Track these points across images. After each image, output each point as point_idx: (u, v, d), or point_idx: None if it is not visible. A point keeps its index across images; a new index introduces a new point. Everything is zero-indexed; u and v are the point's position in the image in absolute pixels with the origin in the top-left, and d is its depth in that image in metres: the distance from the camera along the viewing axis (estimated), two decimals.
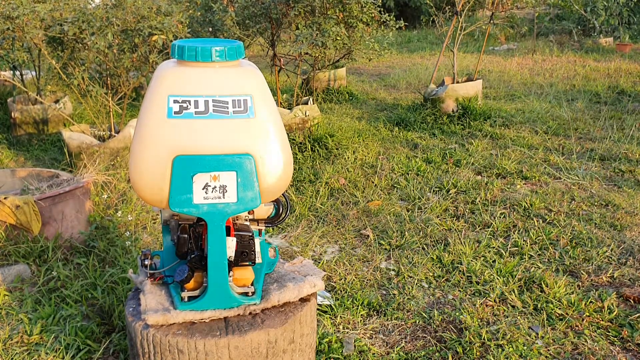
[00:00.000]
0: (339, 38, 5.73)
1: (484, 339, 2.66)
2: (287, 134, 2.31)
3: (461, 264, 3.39)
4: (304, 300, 2.03)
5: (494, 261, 3.43)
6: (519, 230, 3.85)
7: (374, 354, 2.59)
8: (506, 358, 2.54)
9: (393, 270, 3.37)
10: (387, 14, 6.63)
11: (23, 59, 5.42)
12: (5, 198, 3.14)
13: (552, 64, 10.79)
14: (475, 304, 2.97)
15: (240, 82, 1.79)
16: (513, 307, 2.95)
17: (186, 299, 1.90)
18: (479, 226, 3.96)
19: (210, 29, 6.54)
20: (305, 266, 2.21)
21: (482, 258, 3.47)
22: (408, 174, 5.04)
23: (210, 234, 1.81)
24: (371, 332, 2.77)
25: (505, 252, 3.53)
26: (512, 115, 6.93)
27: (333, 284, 3.21)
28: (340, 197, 4.55)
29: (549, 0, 15.04)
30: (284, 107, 6.08)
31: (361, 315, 2.90)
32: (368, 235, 3.84)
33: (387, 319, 2.87)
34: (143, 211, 3.99)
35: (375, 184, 4.78)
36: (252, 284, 1.97)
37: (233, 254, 1.89)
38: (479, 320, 2.82)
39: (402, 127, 6.66)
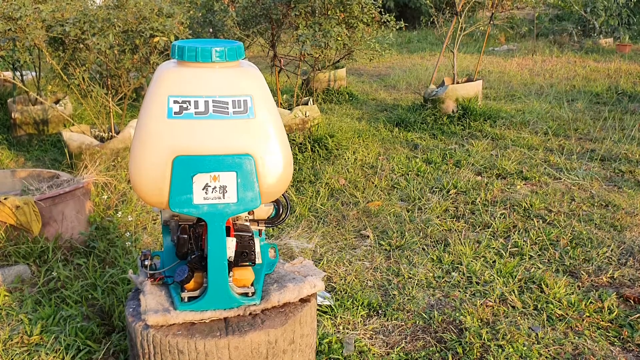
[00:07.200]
0: (339, 39, 5.74)
1: (484, 340, 2.66)
2: (287, 134, 2.31)
3: (461, 265, 3.39)
4: (304, 300, 2.03)
5: (494, 261, 3.43)
6: (519, 231, 3.85)
7: (374, 354, 2.59)
8: (506, 358, 2.54)
9: (393, 270, 3.37)
10: (387, 15, 6.64)
11: (25, 60, 5.42)
12: (5, 198, 3.14)
13: (552, 64, 10.79)
14: (475, 304, 2.97)
15: (240, 83, 1.79)
16: (513, 307, 2.95)
17: (186, 300, 1.90)
18: (479, 227, 3.96)
19: (211, 30, 6.54)
20: (305, 267, 2.22)
21: (482, 258, 3.47)
22: (408, 174, 5.05)
23: (210, 235, 1.81)
24: (371, 332, 2.77)
25: (505, 253, 3.53)
26: (512, 116, 6.93)
27: (333, 284, 3.21)
28: (340, 197, 4.55)
29: (549, 1, 15.05)
30: (284, 108, 6.08)
31: (361, 315, 2.90)
32: (368, 236, 3.84)
33: (387, 320, 2.87)
34: (143, 212, 3.99)
35: (376, 185, 4.78)
36: (252, 285, 1.97)
37: (233, 255, 1.89)
38: (479, 321, 2.82)
39: (402, 127, 6.66)
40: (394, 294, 3.10)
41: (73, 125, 5.30)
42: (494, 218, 4.05)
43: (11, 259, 3.18)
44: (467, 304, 2.97)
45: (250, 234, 1.93)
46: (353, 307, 2.95)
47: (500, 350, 2.58)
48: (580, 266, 3.37)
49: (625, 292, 3.05)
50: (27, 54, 5.61)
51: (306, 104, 6.13)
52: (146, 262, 2.00)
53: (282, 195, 2.00)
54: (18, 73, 6.28)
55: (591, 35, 13.80)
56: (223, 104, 1.76)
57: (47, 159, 5.62)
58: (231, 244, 1.88)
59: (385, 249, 3.66)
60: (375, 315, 2.92)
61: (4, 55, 5.60)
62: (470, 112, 6.77)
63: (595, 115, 6.96)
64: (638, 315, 2.84)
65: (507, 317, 2.86)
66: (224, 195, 1.79)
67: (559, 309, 2.90)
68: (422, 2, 14.36)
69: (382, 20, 6.63)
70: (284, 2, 5.85)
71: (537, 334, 2.71)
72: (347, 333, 2.75)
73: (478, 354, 2.58)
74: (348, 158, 5.42)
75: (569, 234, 3.75)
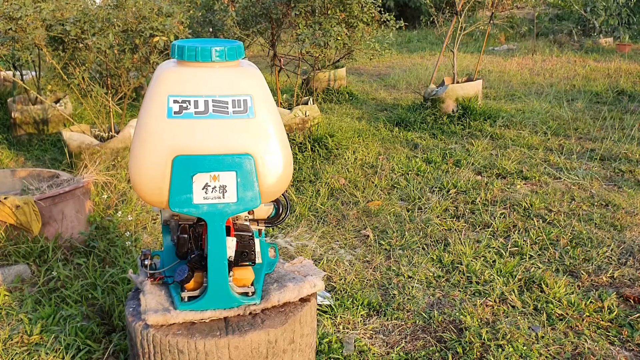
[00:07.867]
0: (339, 38, 5.74)
1: (484, 339, 2.66)
2: (287, 134, 2.31)
3: (461, 264, 3.39)
4: (304, 300, 2.03)
5: (494, 261, 3.43)
6: (519, 231, 3.85)
7: (374, 354, 2.59)
8: (506, 358, 2.54)
9: (393, 270, 3.37)
10: (387, 14, 6.64)
11: (25, 59, 5.42)
12: (5, 198, 3.14)
13: (552, 64, 10.79)
14: (475, 304, 2.97)
15: (240, 82, 1.79)
16: (513, 307, 2.95)
17: (186, 299, 1.90)
18: (479, 226, 3.95)
19: (211, 29, 6.55)
20: (305, 266, 2.22)
21: (482, 258, 3.47)
22: (408, 174, 5.04)
23: (210, 234, 1.81)
24: (371, 332, 2.77)
25: (505, 252, 3.53)
26: (512, 116, 6.93)
27: (333, 284, 3.21)
28: (340, 197, 4.55)
29: (549, 0, 15.05)
30: (284, 107, 6.08)
31: (361, 315, 2.90)
32: (368, 236, 3.84)
33: (387, 319, 2.87)
34: (143, 211, 3.99)
35: (375, 184, 4.78)
36: (252, 284, 1.97)
37: (233, 254, 1.89)
38: (479, 321, 2.82)
39: (402, 127, 6.66)
40: (394, 294, 3.10)
41: (73, 124, 5.30)
42: (494, 218, 4.04)
43: (11, 259, 3.18)
44: (467, 304, 2.97)
45: (250, 234, 1.92)
46: (353, 307, 2.95)
47: (500, 350, 2.58)
48: (580, 266, 3.37)
49: (625, 292, 3.05)
50: (28, 53, 5.61)
51: (306, 103, 6.13)
52: (146, 262, 2.00)
53: (282, 194, 2.00)
54: (18, 72, 6.28)
55: (591, 35, 13.80)
56: (223, 104, 1.76)
57: (47, 159, 5.62)
58: (231, 243, 1.87)
59: (385, 249, 3.66)
60: (375, 315, 2.92)
61: (5, 55, 5.60)
62: (470, 111, 6.77)
63: (595, 115, 6.96)
64: (638, 315, 2.84)
65: (507, 317, 2.86)
66: (223, 195, 1.79)
67: (559, 309, 2.90)
68: (422, 1, 14.36)
69: (382, 20, 6.63)
70: (284, 2, 5.84)
71: (537, 334, 2.71)
72: (347, 333, 2.75)
73: (478, 353, 2.58)
74: (348, 158, 5.42)
75: (569, 234, 3.75)
